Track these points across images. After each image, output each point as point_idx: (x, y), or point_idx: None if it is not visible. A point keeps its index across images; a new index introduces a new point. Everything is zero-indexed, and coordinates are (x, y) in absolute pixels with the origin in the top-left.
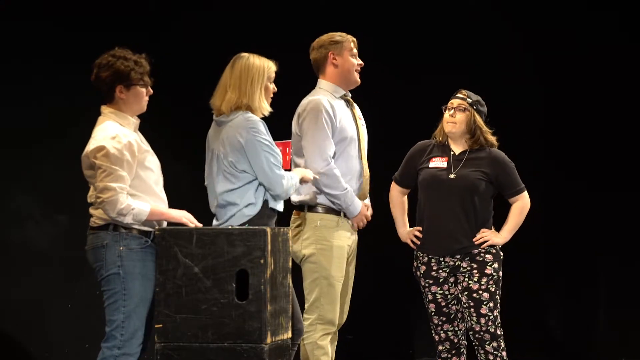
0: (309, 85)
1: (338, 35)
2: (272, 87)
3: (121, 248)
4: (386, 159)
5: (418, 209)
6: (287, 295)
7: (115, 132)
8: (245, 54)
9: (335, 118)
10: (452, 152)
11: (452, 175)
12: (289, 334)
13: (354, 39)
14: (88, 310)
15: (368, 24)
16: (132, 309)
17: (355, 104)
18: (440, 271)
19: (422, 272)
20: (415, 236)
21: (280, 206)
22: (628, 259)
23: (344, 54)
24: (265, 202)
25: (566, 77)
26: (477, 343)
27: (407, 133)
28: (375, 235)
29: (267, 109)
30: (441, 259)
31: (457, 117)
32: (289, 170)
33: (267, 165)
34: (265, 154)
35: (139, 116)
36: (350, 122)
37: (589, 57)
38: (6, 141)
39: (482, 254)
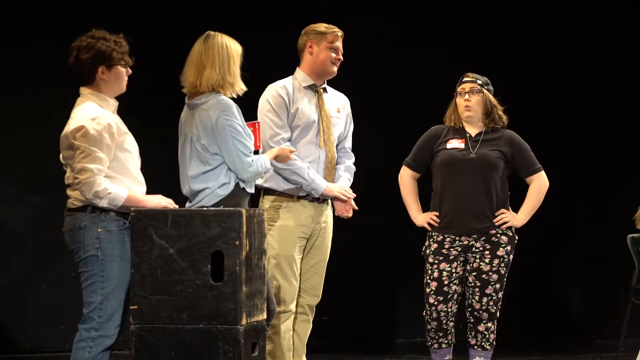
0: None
1: (324, 27)
2: None
3: (99, 230)
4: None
5: (434, 192)
6: (262, 276)
7: (96, 114)
8: (217, 33)
9: (290, 105)
10: (468, 134)
11: (472, 155)
12: (264, 315)
13: (340, 34)
14: (63, 292)
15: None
16: (110, 291)
17: (330, 94)
18: (452, 249)
19: (432, 249)
20: (433, 219)
21: (250, 188)
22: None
23: (322, 45)
24: (238, 182)
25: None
26: (472, 321)
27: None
28: (356, 218)
29: (243, 89)
30: (456, 238)
31: (472, 101)
32: (259, 150)
33: (235, 151)
34: (234, 139)
35: (117, 98)
36: (312, 111)
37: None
38: None
39: (499, 235)
